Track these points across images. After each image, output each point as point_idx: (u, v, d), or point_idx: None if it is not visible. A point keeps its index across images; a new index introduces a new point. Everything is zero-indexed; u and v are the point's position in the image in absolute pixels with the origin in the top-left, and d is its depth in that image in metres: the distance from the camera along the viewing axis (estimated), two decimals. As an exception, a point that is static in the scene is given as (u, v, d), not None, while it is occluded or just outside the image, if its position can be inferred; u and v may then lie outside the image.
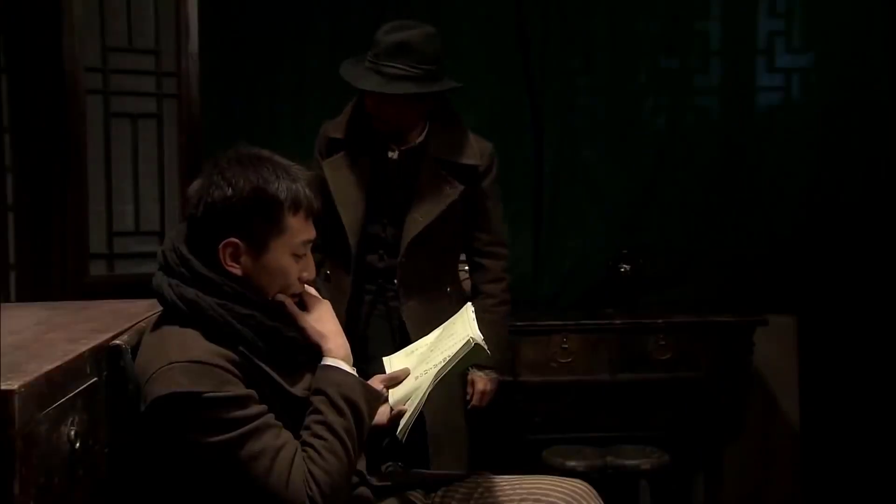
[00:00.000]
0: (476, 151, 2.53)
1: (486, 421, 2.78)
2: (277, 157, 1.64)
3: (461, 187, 2.50)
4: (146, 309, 1.86)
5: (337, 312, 1.74)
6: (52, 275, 2.67)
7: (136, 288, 2.23)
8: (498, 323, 2.64)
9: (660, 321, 3.40)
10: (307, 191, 1.62)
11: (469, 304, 1.85)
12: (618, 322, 3.42)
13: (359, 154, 2.53)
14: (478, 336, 1.66)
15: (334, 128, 2.58)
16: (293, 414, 1.59)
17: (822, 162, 3.72)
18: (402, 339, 2.49)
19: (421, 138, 2.53)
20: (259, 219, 1.58)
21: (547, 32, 3.70)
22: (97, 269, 2.79)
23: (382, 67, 2.38)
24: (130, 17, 2.83)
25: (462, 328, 1.74)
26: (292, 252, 1.62)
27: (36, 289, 2.65)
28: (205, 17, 2.99)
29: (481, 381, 2.65)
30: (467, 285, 2.77)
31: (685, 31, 3.76)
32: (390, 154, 2.52)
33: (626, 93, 3.77)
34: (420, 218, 2.48)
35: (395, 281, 2.53)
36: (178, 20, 2.91)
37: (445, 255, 2.60)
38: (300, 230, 1.62)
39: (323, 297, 1.73)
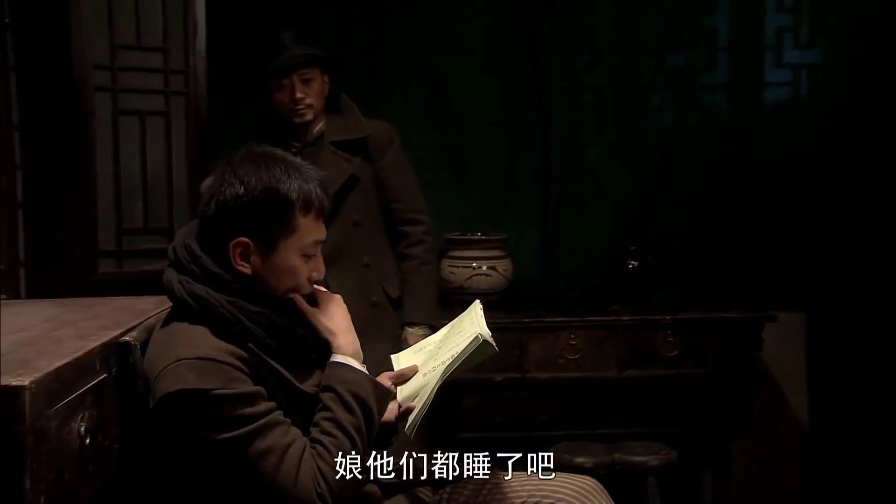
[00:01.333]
0: (365, 127, 2.83)
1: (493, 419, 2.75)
2: (290, 157, 1.65)
3: (357, 159, 2.79)
4: (155, 305, 1.87)
5: None
6: (61, 272, 2.67)
7: (144, 285, 2.24)
8: (424, 283, 2.84)
9: (667, 318, 3.40)
10: (319, 191, 1.62)
11: (477, 301, 1.85)
12: (625, 318, 3.42)
13: None
14: (486, 333, 1.67)
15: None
16: (303, 411, 1.60)
17: (830, 158, 3.71)
18: None
19: (318, 128, 2.81)
20: (269, 218, 1.58)
21: (553, 30, 3.70)
22: (106, 266, 2.79)
23: (293, 51, 2.75)
24: (139, 14, 2.83)
25: (470, 325, 1.74)
26: (302, 252, 1.62)
27: (45, 286, 2.64)
28: (213, 14, 3.00)
29: (413, 338, 2.69)
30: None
31: (692, 27, 3.75)
32: (293, 150, 2.74)
33: (633, 90, 3.76)
34: None
35: None
36: (186, 18, 2.91)
37: (357, 229, 2.80)
38: (310, 230, 1.62)
39: (333, 293, 1.74)
